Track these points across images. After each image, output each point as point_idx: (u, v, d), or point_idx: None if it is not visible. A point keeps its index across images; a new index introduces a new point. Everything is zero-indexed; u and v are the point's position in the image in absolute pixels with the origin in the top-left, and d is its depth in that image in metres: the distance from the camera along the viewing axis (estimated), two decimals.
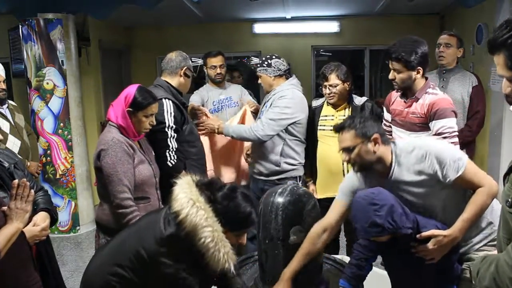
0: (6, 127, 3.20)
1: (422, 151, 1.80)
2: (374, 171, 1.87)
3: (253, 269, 2.18)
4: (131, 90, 2.13)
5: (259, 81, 2.94)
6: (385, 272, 2.16)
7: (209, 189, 1.59)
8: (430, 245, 1.73)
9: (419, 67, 2.37)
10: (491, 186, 1.77)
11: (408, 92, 2.48)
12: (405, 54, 2.32)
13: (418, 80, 2.42)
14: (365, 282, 1.89)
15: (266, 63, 2.88)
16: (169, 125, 2.41)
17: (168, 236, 1.54)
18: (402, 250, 1.77)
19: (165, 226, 1.57)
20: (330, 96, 2.77)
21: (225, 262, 1.51)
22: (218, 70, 3.46)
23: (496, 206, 1.83)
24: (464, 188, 1.82)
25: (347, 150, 1.85)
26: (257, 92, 3.35)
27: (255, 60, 2.99)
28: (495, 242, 1.75)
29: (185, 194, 1.53)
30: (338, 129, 1.89)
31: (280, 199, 1.89)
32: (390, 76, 2.44)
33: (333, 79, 2.73)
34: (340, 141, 1.88)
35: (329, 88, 2.75)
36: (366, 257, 1.85)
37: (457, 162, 1.76)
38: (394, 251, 1.80)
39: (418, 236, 1.73)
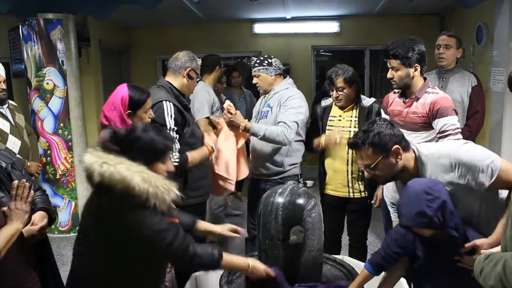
0: (6, 127, 3.19)
1: (449, 159, 1.69)
2: (399, 180, 1.80)
3: None
4: (123, 91, 2.08)
5: (255, 81, 2.93)
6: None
7: (115, 142, 1.61)
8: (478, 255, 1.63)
9: (416, 65, 2.38)
10: None
11: (407, 91, 2.49)
12: (402, 51, 2.33)
13: (416, 79, 2.43)
14: (369, 284, 1.87)
15: (266, 62, 2.89)
16: (170, 127, 2.40)
17: (106, 205, 1.55)
18: (440, 255, 1.69)
19: (99, 201, 1.58)
20: (338, 100, 2.77)
21: (168, 192, 1.55)
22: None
23: None
24: (501, 188, 1.74)
25: (367, 167, 1.74)
26: (257, 92, 3.36)
27: (268, 61, 2.94)
28: None
29: (97, 164, 1.53)
30: (353, 145, 1.77)
31: (280, 199, 1.89)
32: (389, 75, 2.45)
33: (340, 83, 2.71)
34: (358, 159, 1.77)
35: (336, 91, 2.75)
36: (394, 252, 1.75)
37: (490, 166, 1.65)
38: (431, 255, 1.71)
39: (462, 249, 1.65)
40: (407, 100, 2.49)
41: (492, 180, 1.66)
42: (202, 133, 2.68)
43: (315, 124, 2.91)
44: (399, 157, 1.71)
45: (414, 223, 1.61)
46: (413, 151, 1.77)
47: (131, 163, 1.54)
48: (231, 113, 2.70)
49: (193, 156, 2.46)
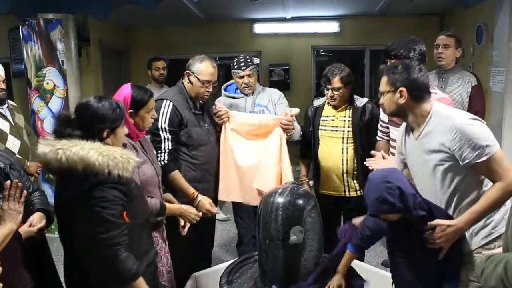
0: (6, 127, 3.19)
1: (452, 122, 1.73)
2: (404, 121, 1.93)
3: (253, 269, 2.18)
4: (127, 91, 2.08)
5: (247, 80, 2.85)
6: (386, 273, 2.17)
7: (69, 124, 1.66)
8: (435, 233, 1.72)
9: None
10: (510, 182, 1.68)
11: None
12: (404, 51, 2.34)
13: None
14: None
15: (255, 61, 2.96)
16: (161, 127, 2.44)
17: (83, 191, 1.57)
18: (412, 235, 1.77)
19: (71, 190, 1.61)
20: (333, 99, 2.78)
21: (128, 161, 1.62)
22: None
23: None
24: (484, 176, 1.76)
25: (380, 93, 1.91)
26: None
27: (256, 60, 2.95)
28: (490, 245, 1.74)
29: (52, 152, 1.57)
30: (381, 72, 1.95)
31: (280, 199, 1.89)
32: None
33: (337, 82, 2.72)
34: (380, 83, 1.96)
35: (332, 91, 2.75)
36: (368, 236, 1.92)
37: (484, 148, 1.67)
38: (403, 236, 1.81)
39: (425, 227, 1.73)
40: None
41: (478, 161, 1.68)
42: (204, 136, 2.65)
43: (312, 124, 2.91)
44: (402, 99, 1.82)
45: (379, 211, 1.72)
46: (432, 105, 1.86)
47: (84, 143, 1.58)
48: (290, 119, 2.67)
49: (169, 207, 2.25)
